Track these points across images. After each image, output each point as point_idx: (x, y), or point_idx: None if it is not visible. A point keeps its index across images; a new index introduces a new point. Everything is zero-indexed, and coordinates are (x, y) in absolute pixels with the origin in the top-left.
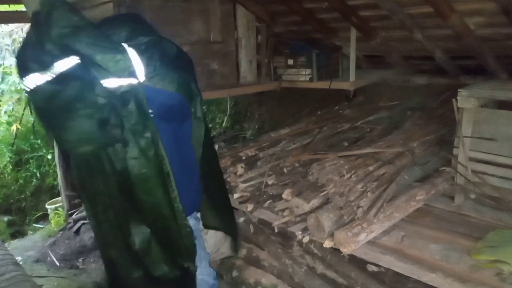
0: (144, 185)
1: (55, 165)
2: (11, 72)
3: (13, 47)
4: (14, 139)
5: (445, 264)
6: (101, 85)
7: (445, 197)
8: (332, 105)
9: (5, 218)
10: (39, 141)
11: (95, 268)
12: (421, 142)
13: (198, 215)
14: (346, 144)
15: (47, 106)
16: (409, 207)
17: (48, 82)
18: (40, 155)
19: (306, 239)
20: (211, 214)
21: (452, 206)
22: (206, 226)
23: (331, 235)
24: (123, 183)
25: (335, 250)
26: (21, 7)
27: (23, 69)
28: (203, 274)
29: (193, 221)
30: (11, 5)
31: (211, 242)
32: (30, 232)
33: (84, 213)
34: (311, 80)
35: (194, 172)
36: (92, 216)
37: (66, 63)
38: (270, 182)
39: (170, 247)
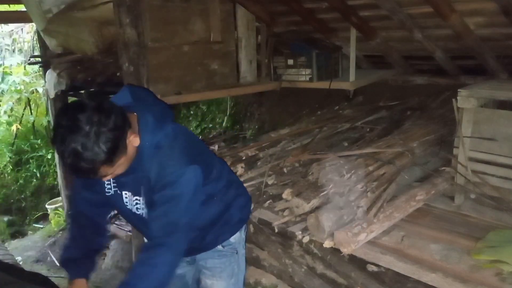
0: None
1: (55, 165)
2: (11, 72)
3: (13, 47)
4: (14, 139)
5: (445, 264)
6: None
7: (445, 197)
8: (332, 105)
9: (5, 218)
10: (39, 141)
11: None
12: (421, 142)
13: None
14: (346, 144)
15: None
16: (409, 207)
17: None
18: (40, 155)
19: (306, 239)
20: None
21: (452, 206)
22: None
23: (331, 235)
24: None
25: (335, 250)
26: (21, 7)
27: None
28: None
29: (238, 234)
30: (11, 5)
31: None
32: (30, 232)
33: None
34: (311, 80)
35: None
36: None
37: None
38: (270, 182)
39: None
